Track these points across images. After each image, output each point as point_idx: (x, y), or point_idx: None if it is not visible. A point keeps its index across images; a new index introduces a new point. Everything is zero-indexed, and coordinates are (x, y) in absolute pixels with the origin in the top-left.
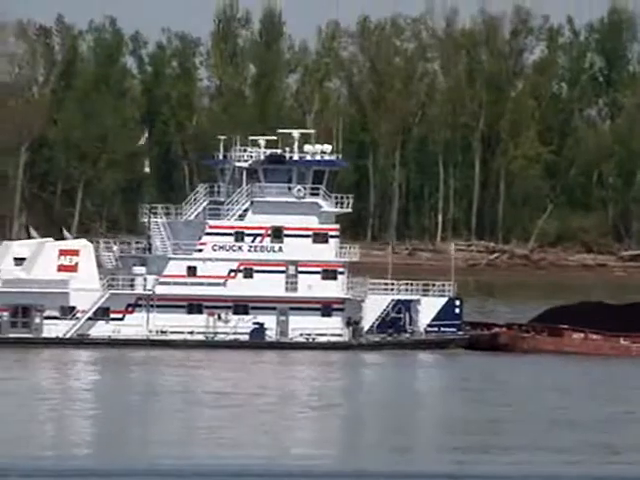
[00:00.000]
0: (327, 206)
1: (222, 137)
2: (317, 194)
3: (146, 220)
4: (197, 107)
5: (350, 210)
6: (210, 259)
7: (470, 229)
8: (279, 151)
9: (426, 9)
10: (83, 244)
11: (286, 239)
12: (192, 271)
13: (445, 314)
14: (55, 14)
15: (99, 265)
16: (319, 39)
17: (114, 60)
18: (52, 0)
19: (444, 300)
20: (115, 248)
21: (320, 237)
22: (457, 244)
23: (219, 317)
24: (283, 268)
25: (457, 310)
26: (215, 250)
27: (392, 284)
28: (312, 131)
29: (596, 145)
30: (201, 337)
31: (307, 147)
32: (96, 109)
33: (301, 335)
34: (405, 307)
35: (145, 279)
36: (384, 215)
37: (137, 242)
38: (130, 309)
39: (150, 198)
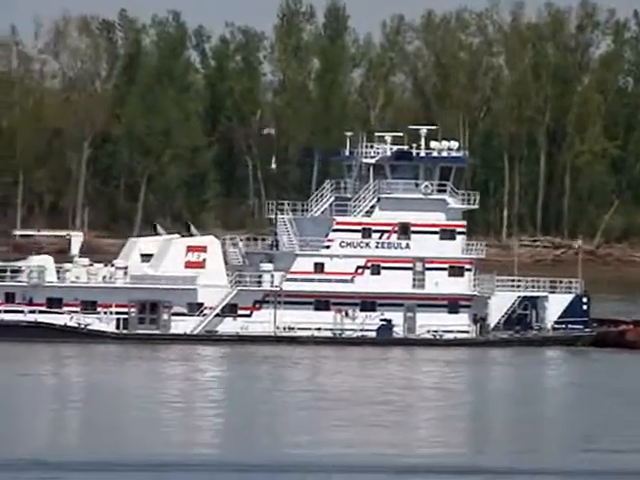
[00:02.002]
0: (454, 202)
1: (349, 133)
2: (444, 190)
3: (272, 216)
4: (260, 102)
5: (476, 206)
6: (337, 255)
7: (535, 225)
8: (406, 147)
9: (491, 3)
10: (211, 240)
11: (413, 235)
12: (319, 267)
13: (572, 311)
14: (118, 8)
15: (225, 262)
16: (383, 33)
17: (177, 54)
18: None
19: (571, 297)
20: (241, 244)
21: (447, 233)
22: (522, 240)
23: (346, 314)
24: (410, 265)
25: (584, 307)
26: (342, 246)
27: (518, 281)
28: (438, 127)
29: None
30: (328, 334)
31: (433, 143)
32: (159, 103)
33: (428, 332)
34: (532, 304)
35: (272, 275)
36: None
37: (263, 239)
38: (257, 306)
39: (213, 193)
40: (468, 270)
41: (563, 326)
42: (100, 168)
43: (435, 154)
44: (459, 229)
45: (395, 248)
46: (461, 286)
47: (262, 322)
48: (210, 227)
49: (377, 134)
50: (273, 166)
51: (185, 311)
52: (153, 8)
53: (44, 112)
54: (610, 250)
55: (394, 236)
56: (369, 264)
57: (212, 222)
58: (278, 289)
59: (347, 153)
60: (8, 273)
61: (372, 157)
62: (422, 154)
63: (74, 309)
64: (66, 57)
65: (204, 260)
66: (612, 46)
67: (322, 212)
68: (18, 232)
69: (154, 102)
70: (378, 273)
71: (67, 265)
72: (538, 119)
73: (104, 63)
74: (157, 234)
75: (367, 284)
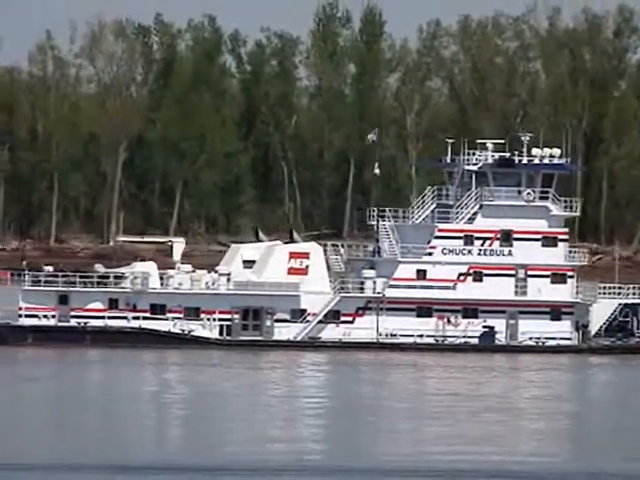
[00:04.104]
0: (556, 210)
1: (450, 140)
2: (546, 197)
3: (374, 223)
4: (296, 106)
5: (578, 214)
6: (440, 262)
7: (573, 230)
8: (508, 155)
9: (528, 8)
10: (313, 247)
11: (515, 243)
12: (422, 274)
13: None
14: (154, 13)
15: (327, 268)
16: (420, 38)
17: (213, 59)
18: None
19: None
20: (342, 251)
21: (549, 241)
22: None
23: (448, 320)
24: (512, 272)
25: None
26: (445, 253)
27: (619, 288)
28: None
29: None
30: (431, 340)
31: (535, 150)
32: (194, 108)
33: (530, 339)
34: (633, 311)
35: (375, 282)
36: None
37: (365, 246)
38: (360, 312)
39: (247, 198)
40: (570, 277)
41: None
42: (135, 173)
43: (537, 161)
44: (561, 236)
45: (497, 255)
46: (563, 293)
47: (365, 328)
48: (246, 232)
49: (479, 141)
50: (376, 171)
51: (288, 317)
52: (189, 13)
53: (79, 117)
54: None
55: (496, 243)
56: (471, 271)
57: (247, 227)
58: (381, 296)
59: (449, 160)
60: (112, 279)
61: (474, 164)
62: (524, 161)
63: (177, 315)
64: (102, 62)
65: (307, 267)
66: None
67: (423, 219)
68: (121, 238)
69: (189, 107)
70: (480, 280)
71: (170, 271)
72: (575, 125)
73: (140, 68)
74: (259, 240)
75: (469, 291)
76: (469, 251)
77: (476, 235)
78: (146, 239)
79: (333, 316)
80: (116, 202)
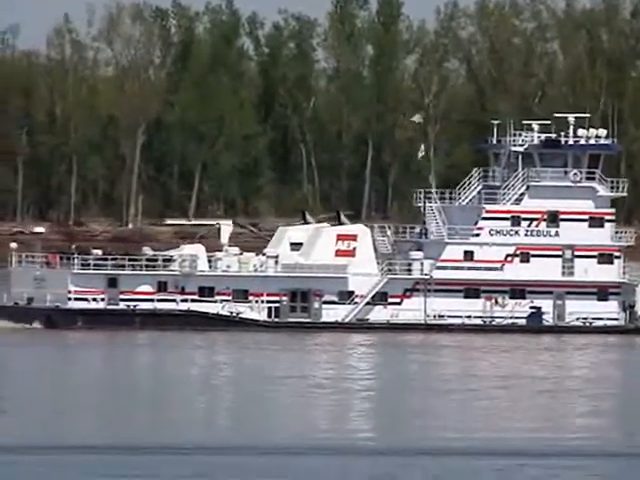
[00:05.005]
0: (603, 190)
1: (496, 121)
2: (593, 178)
3: (420, 205)
4: (314, 89)
5: (625, 194)
6: (487, 243)
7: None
8: (554, 135)
9: None
10: (361, 229)
11: (562, 223)
12: (469, 255)
13: None
14: None
15: (374, 250)
16: (437, 19)
17: (230, 42)
18: None
19: None
20: (389, 233)
21: (596, 221)
22: None
23: (496, 301)
24: (559, 252)
25: None
26: (492, 234)
27: None
28: (587, 115)
29: None
30: (478, 321)
31: (581, 131)
32: (212, 91)
33: (577, 319)
34: None
35: (422, 264)
36: None
37: (412, 227)
38: (408, 294)
39: (266, 180)
40: (617, 257)
41: None
42: (154, 156)
43: (583, 142)
44: (608, 217)
45: (544, 236)
46: (610, 274)
47: (412, 310)
48: (264, 214)
49: (524, 122)
50: (421, 154)
51: (336, 299)
52: None
53: (98, 100)
54: None
55: (543, 224)
56: (518, 252)
57: (266, 209)
58: (428, 277)
59: (495, 141)
60: (160, 262)
61: (521, 145)
62: (570, 142)
63: (226, 298)
64: (119, 45)
65: (354, 249)
66: None
67: (470, 200)
68: (169, 221)
69: (207, 90)
70: (527, 261)
71: (218, 254)
72: (593, 105)
73: (157, 51)
74: (306, 222)
75: (517, 272)
76: (516, 232)
77: (523, 216)
78: (194, 222)
79: (381, 298)
80: (135, 185)
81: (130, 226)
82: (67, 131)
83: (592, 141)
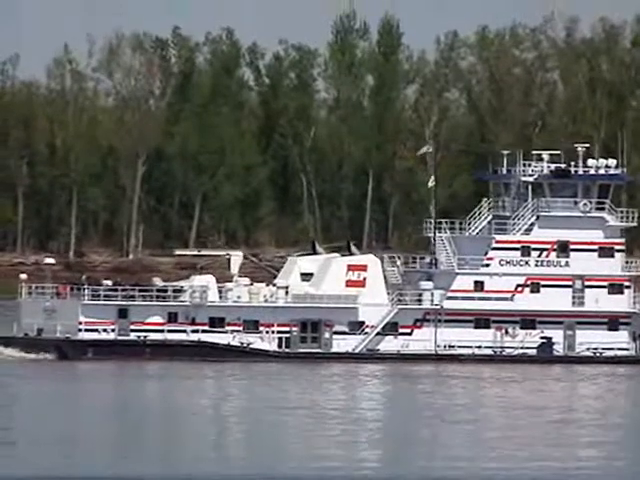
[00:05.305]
0: (613, 220)
1: (505, 152)
2: (603, 208)
3: (430, 234)
4: (315, 119)
5: (635, 224)
6: (497, 274)
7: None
8: (564, 165)
9: (545, 18)
10: (371, 259)
11: (572, 253)
12: (479, 286)
13: None
14: (171, 26)
15: (385, 280)
16: (437, 49)
17: (231, 72)
18: (169, 12)
19: None
20: (399, 263)
21: (606, 251)
22: None
23: (506, 331)
24: (570, 282)
25: None
26: (502, 265)
27: None
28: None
29: None
30: (489, 351)
31: (591, 161)
32: (213, 121)
33: (588, 349)
34: None
35: (432, 294)
36: None
37: (421, 258)
38: (418, 324)
39: (267, 211)
40: (627, 287)
41: None
42: (154, 186)
43: (593, 172)
44: (618, 247)
45: (554, 266)
46: (621, 303)
47: (423, 340)
48: (265, 245)
49: (534, 152)
50: (432, 184)
51: (346, 330)
52: (206, 26)
53: (98, 130)
54: None
55: (553, 254)
56: (529, 282)
57: (266, 240)
58: (439, 307)
59: (505, 171)
60: (170, 293)
61: (530, 175)
62: (580, 172)
63: (236, 328)
64: (120, 75)
65: (364, 279)
66: None
67: (480, 230)
68: (178, 252)
69: (208, 120)
70: (538, 291)
71: (229, 285)
72: (593, 135)
73: (158, 81)
74: (316, 253)
75: (527, 302)
76: (526, 262)
77: (533, 246)
78: (204, 252)
79: (391, 328)
80: (135, 216)
81: (131, 256)
82: (67, 162)
83: (602, 171)
